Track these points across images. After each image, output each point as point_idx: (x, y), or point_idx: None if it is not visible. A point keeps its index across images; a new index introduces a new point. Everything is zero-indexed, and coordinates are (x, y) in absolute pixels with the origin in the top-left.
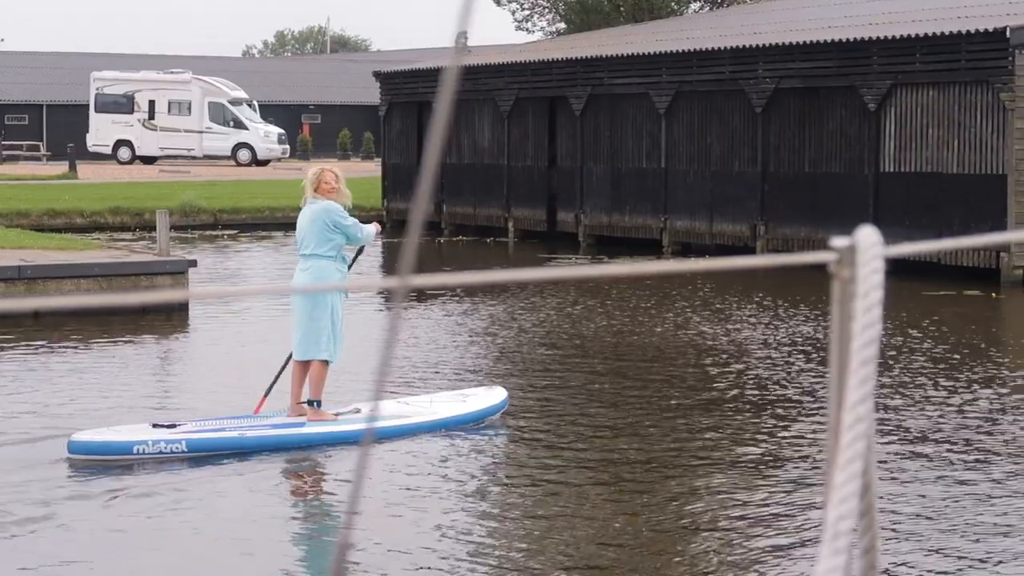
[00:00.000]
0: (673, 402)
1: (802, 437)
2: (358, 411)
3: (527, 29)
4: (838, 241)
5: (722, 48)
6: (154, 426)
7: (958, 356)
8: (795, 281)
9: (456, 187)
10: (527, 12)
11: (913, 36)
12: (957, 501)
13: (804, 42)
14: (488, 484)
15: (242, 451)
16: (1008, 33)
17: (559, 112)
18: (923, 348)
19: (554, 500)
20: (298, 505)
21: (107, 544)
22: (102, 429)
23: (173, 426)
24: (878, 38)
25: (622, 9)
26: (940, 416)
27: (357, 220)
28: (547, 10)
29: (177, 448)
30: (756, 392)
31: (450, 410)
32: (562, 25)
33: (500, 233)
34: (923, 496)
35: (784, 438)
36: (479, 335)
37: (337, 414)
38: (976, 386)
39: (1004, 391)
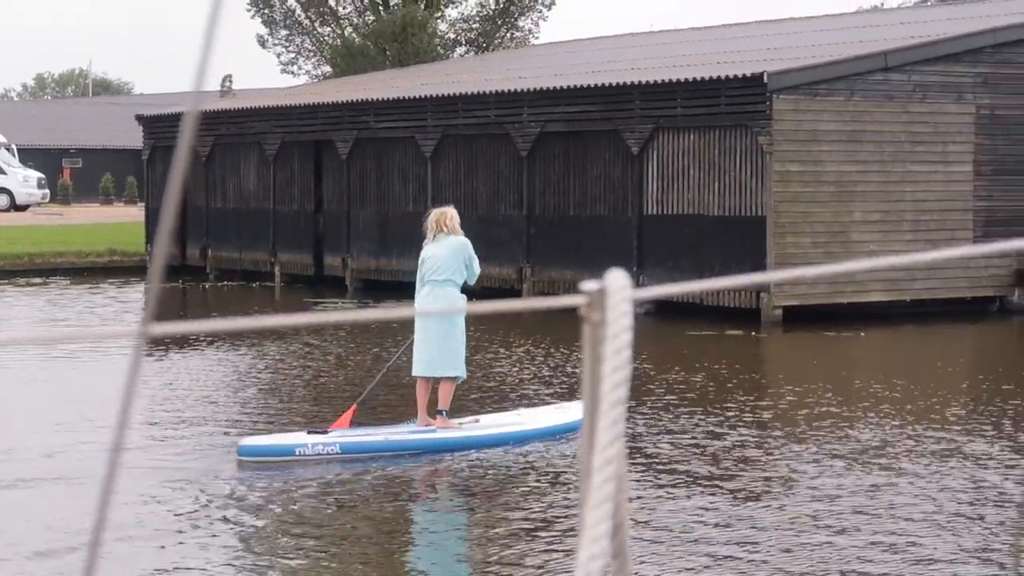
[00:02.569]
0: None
1: (556, 480)
2: (477, 421)
3: (292, 72)
4: (587, 285)
5: (487, 92)
6: (309, 432)
7: (713, 392)
8: (560, 322)
9: (221, 232)
10: (292, 55)
11: (674, 81)
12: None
13: (568, 87)
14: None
15: (389, 452)
16: (766, 78)
17: (325, 156)
18: (681, 386)
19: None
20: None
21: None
22: (267, 435)
23: (325, 431)
24: (640, 83)
25: (388, 53)
26: (695, 450)
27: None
28: (312, 53)
29: (332, 451)
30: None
31: (548, 420)
32: (327, 69)
33: (267, 278)
34: (667, 529)
35: (543, 484)
36: (237, 382)
37: (460, 423)
38: (732, 421)
39: (753, 427)
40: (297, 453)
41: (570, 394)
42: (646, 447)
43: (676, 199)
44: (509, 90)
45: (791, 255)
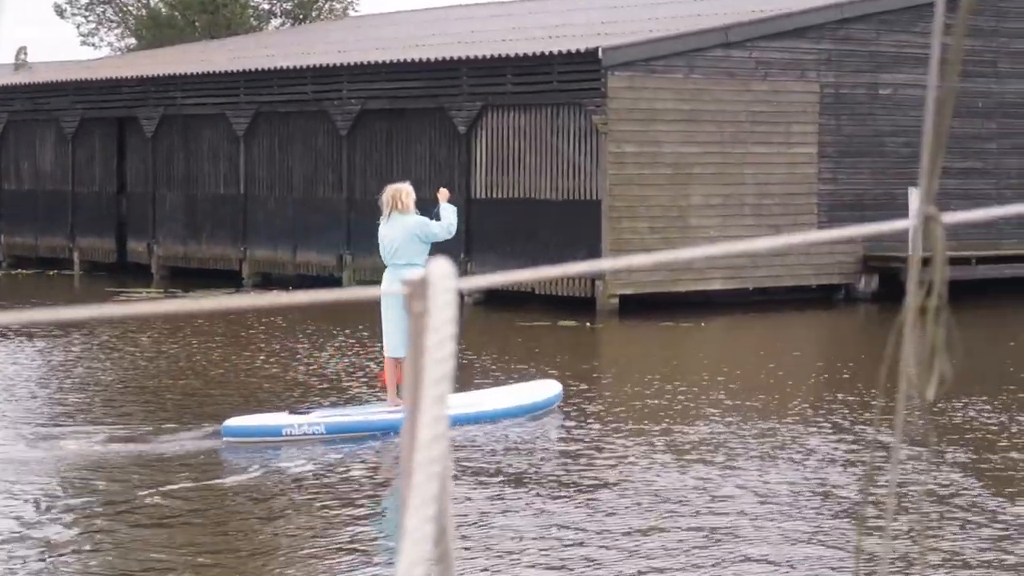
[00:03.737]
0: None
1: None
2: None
3: (93, 44)
4: (410, 274)
5: (304, 67)
6: (291, 412)
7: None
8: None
9: (15, 216)
10: (93, 25)
11: (503, 56)
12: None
13: (390, 61)
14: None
15: (370, 431)
16: (600, 54)
17: (129, 134)
18: (510, 378)
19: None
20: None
21: None
22: (249, 416)
23: (308, 412)
24: (467, 57)
25: (197, 24)
26: (517, 446)
27: (431, 220)
28: (115, 24)
29: (318, 431)
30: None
31: (506, 402)
32: (132, 40)
33: (65, 265)
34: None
35: (350, 484)
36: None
37: None
38: (557, 415)
39: (580, 421)
40: (284, 434)
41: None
42: (464, 443)
43: (506, 181)
44: (327, 64)
45: (627, 241)
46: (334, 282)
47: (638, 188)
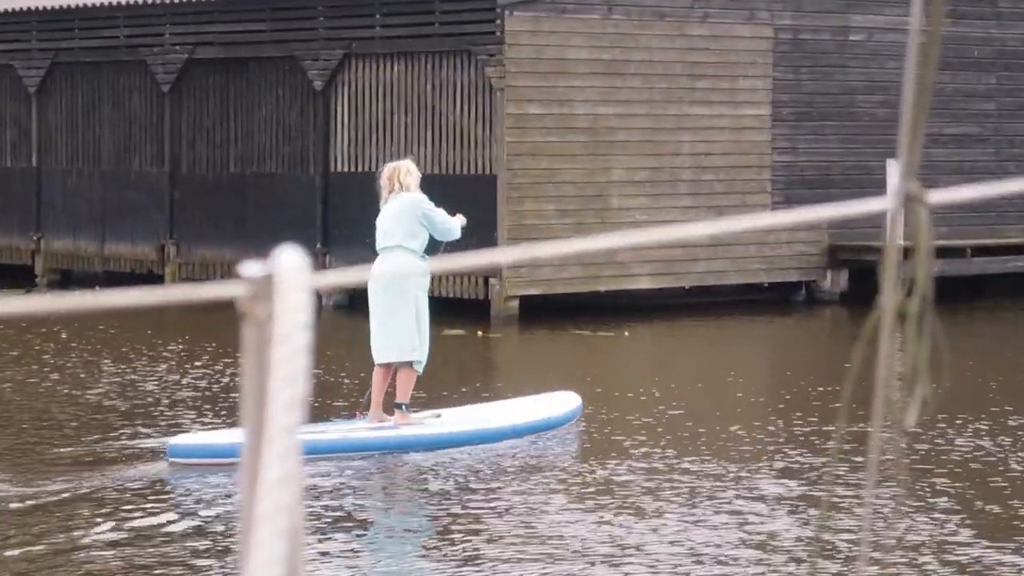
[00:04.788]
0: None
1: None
2: (439, 416)
3: None
4: (248, 268)
5: (114, 4)
6: None
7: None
8: (224, 319)
9: None
10: None
11: None
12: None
13: None
14: None
15: (348, 452)
16: None
17: None
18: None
19: None
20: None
21: None
22: (196, 433)
23: None
24: None
25: None
26: (379, 492)
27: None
28: None
29: None
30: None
31: (524, 416)
32: None
33: None
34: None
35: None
36: None
37: (421, 419)
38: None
39: (462, 460)
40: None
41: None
42: (322, 484)
43: (374, 151)
44: (146, 1)
45: (530, 227)
46: (154, 280)
47: (544, 160)
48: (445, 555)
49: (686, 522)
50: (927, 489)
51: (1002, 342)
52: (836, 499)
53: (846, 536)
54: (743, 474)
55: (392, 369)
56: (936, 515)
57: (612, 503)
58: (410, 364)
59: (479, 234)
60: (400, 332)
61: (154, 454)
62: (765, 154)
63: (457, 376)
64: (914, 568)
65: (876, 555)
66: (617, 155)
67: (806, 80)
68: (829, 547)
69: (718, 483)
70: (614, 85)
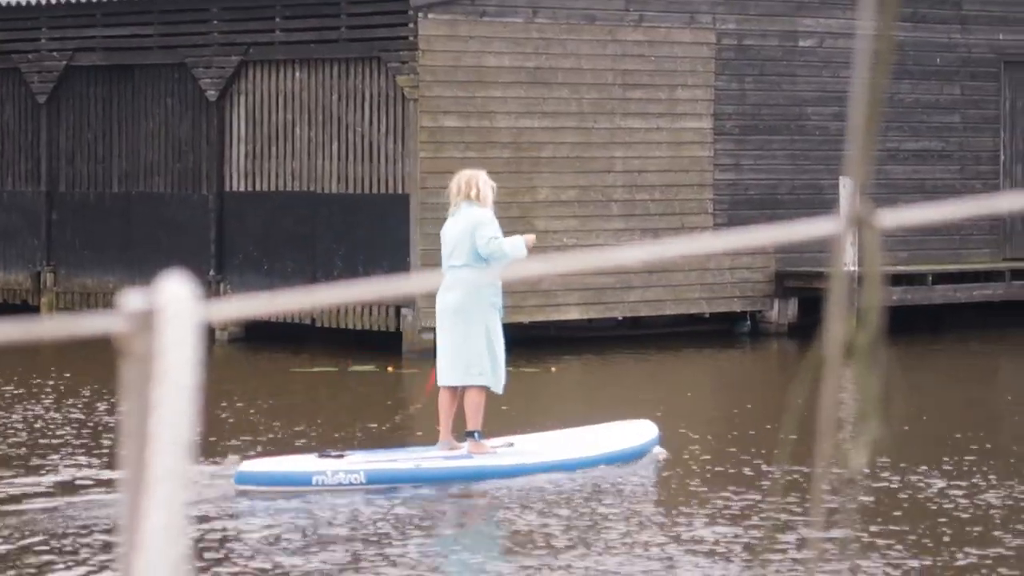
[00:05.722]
0: None
1: None
2: (511, 444)
3: None
4: (128, 299)
5: None
6: (320, 456)
7: None
8: (106, 352)
9: None
10: None
11: None
12: None
13: None
14: None
15: (420, 483)
16: None
17: None
18: (274, 446)
19: None
20: None
21: None
22: (269, 459)
23: (341, 456)
24: None
25: None
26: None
27: (502, 237)
28: None
29: (356, 479)
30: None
31: (600, 445)
32: None
33: None
34: None
35: None
36: None
37: (494, 448)
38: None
39: (376, 514)
40: (315, 483)
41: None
42: (211, 532)
43: (274, 168)
44: (20, 2)
45: None
46: (28, 310)
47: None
48: None
49: (616, 572)
50: (875, 534)
51: (963, 378)
52: (778, 544)
53: None
54: (678, 518)
55: (458, 393)
56: (883, 562)
57: (530, 551)
58: (476, 388)
59: (390, 259)
60: (471, 355)
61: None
62: (706, 171)
63: (363, 416)
64: None
65: None
66: (543, 172)
67: (751, 90)
68: None
69: (651, 527)
70: (539, 96)
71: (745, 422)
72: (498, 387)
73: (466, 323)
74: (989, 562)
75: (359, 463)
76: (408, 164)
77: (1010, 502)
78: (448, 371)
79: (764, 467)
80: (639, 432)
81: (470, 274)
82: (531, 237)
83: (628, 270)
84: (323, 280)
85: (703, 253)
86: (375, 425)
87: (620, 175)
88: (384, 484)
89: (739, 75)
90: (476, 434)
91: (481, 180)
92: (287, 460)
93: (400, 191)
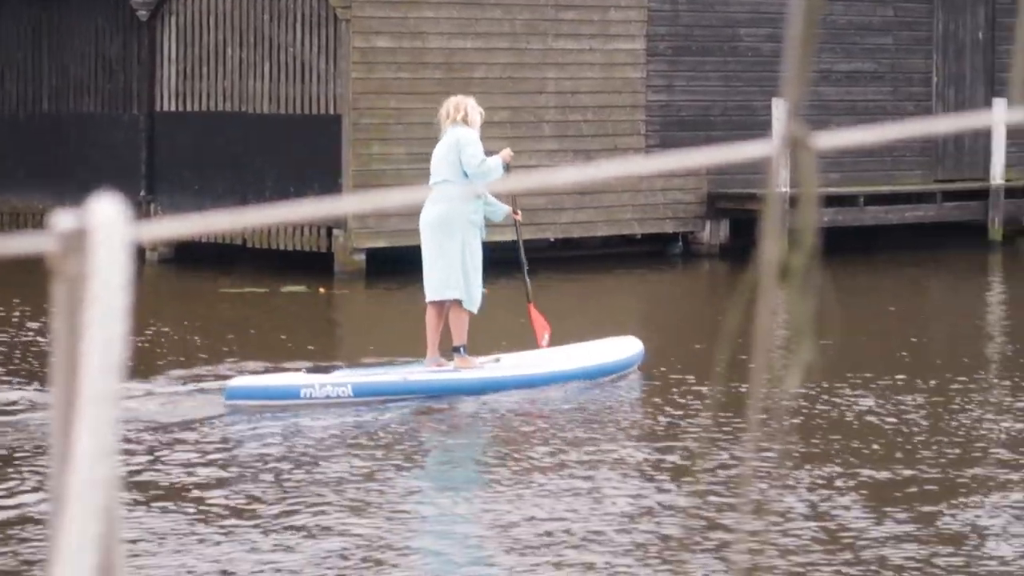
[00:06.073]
0: None
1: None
2: (498, 360)
3: None
4: (59, 219)
5: None
6: (308, 371)
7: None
8: (36, 274)
9: None
10: None
11: None
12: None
13: None
14: None
15: (406, 395)
16: None
17: None
18: (202, 369)
19: None
20: None
21: None
22: (257, 375)
23: (328, 371)
24: None
25: None
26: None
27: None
28: None
29: (344, 392)
30: None
31: (584, 360)
32: None
33: None
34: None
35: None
36: None
37: (481, 363)
38: (258, 429)
39: (279, 436)
40: (303, 396)
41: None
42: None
43: (205, 88)
44: None
45: (378, 173)
46: None
47: (394, 99)
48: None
49: (544, 496)
50: (807, 452)
51: (896, 298)
52: (713, 464)
53: (718, 500)
54: (611, 441)
55: (444, 309)
56: (815, 480)
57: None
58: (459, 304)
59: (321, 180)
60: (444, 269)
61: None
62: (639, 93)
63: (296, 337)
64: (790, 536)
65: (753, 521)
66: (475, 93)
67: (684, 11)
68: (703, 513)
69: (584, 449)
70: (472, 16)
71: (677, 343)
72: (472, 304)
73: (444, 238)
74: (912, 474)
75: (346, 377)
76: (340, 85)
77: (934, 419)
78: (427, 287)
79: (697, 387)
80: (624, 348)
81: (451, 189)
82: (507, 152)
83: (560, 191)
84: (254, 201)
85: (635, 175)
86: (306, 345)
87: (552, 96)
88: (371, 397)
89: None
90: (461, 349)
91: (470, 105)
92: (275, 376)
93: (332, 111)
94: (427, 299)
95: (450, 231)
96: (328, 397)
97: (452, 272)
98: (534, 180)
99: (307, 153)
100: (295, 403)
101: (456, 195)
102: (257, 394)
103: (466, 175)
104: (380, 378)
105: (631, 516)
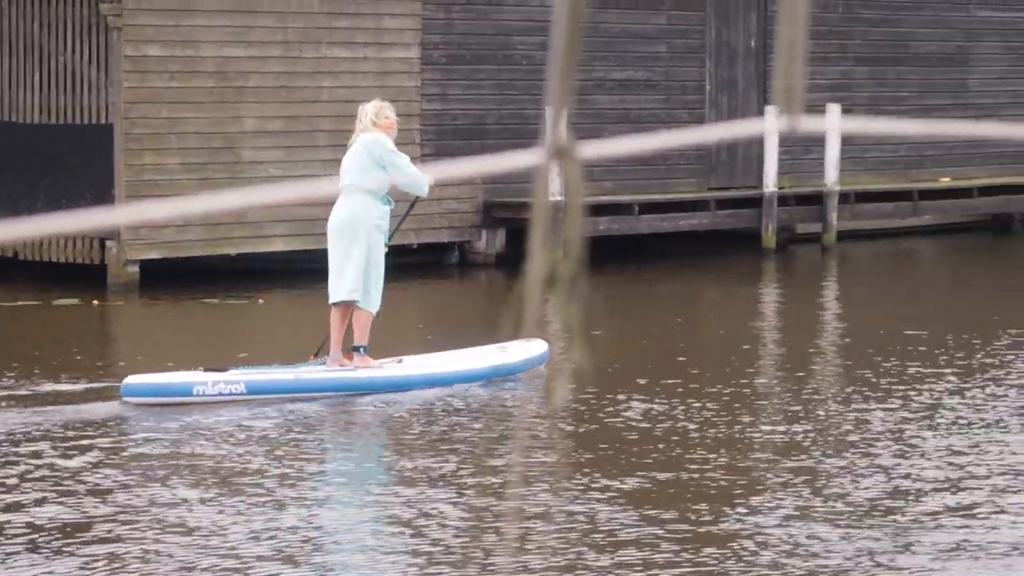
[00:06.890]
0: None
1: None
2: (400, 361)
3: None
4: (353, 198)
5: None
6: (205, 370)
7: (8, 403)
8: None
9: None
10: None
11: None
12: None
13: None
14: None
15: (298, 394)
16: None
17: None
18: None
19: None
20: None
21: None
22: (154, 373)
23: (224, 370)
24: None
25: None
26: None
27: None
28: None
29: (236, 390)
30: None
31: (485, 361)
32: None
33: None
34: None
35: None
36: None
37: (381, 363)
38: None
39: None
40: (195, 393)
41: None
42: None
43: None
44: None
45: (151, 183)
46: None
47: (167, 108)
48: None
49: (305, 506)
50: (573, 459)
51: (670, 305)
52: (487, 477)
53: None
54: (390, 451)
55: (348, 311)
56: (582, 487)
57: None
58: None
59: (93, 190)
60: (349, 272)
61: None
62: (414, 101)
63: (69, 351)
64: (569, 545)
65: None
66: (248, 102)
67: (458, 19)
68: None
69: (366, 461)
70: (245, 24)
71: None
72: (371, 307)
73: (349, 241)
74: (686, 477)
75: (240, 376)
76: (112, 93)
77: (707, 424)
78: (331, 289)
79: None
80: (526, 350)
81: (358, 196)
82: (432, 177)
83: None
84: (26, 212)
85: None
86: (81, 358)
87: (327, 105)
88: (264, 395)
89: (446, 4)
90: (362, 348)
91: (375, 112)
92: (170, 374)
93: (104, 120)
94: (330, 300)
95: (355, 235)
96: (221, 395)
97: (357, 275)
98: (310, 189)
99: (79, 163)
100: (188, 400)
101: (361, 201)
102: (151, 391)
103: (397, 177)
104: (273, 376)
105: (411, 523)
